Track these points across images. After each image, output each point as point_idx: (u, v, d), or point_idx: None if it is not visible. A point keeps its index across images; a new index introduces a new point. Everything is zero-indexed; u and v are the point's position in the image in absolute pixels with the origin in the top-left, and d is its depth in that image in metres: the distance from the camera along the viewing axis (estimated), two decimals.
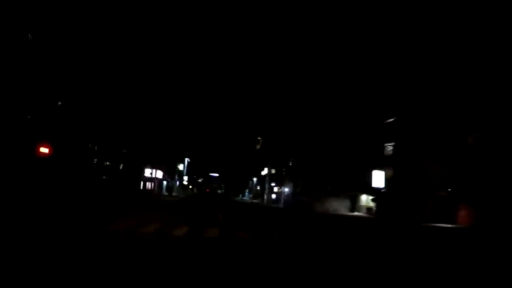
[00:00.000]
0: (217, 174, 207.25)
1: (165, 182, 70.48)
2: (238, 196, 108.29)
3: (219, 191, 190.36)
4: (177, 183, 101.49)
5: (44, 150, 29.81)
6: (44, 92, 30.81)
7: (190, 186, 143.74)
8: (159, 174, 52.95)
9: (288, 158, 60.53)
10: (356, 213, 45.41)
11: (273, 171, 70.49)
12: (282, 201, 52.78)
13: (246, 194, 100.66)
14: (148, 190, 49.24)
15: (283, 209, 44.44)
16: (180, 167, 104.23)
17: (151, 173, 47.83)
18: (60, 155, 31.81)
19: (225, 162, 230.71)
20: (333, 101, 47.82)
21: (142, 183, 47.25)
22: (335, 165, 47.70)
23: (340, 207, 47.76)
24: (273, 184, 66.30)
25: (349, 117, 46.18)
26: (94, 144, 41.69)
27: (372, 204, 44.26)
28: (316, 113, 49.87)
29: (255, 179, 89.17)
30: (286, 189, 57.58)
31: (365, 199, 46.09)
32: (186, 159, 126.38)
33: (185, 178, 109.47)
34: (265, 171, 74.24)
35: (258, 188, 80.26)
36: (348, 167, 46.51)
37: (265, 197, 62.11)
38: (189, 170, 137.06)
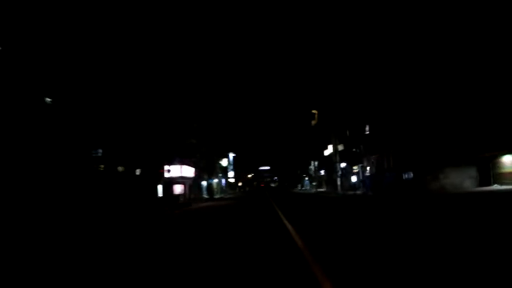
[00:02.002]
0: (268, 167, 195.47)
1: (204, 183, 57.44)
2: (297, 187, 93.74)
3: (272, 185, 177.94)
4: (223, 181, 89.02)
5: None
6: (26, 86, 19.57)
7: (240, 184, 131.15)
8: (188, 171, 39.49)
9: (362, 124, 45.08)
10: (496, 187, 29.49)
11: (341, 147, 55.26)
12: (368, 185, 37.70)
13: (306, 182, 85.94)
14: (176, 195, 36.04)
15: (381, 199, 29.56)
16: (224, 162, 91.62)
17: (168, 170, 34.33)
18: (47, 164, 19.91)
19: (273, 151, 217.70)
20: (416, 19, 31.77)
21: (162, 187, 33.91)
22: (442, 118, 31.80)
23: (464, 179, 31.95)
24: (343, 165, 51.12)
25: (448, 38, 30.05)
26: (97, 148, 28.99)
27: None
28: (394, 45, 34.03)
29: (315, 163, 74.16)
30: (367, 168, 42.38)
31: (510, 161, 29.88)
32: (231, 154, 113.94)
33: (230, 175, 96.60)
34: (329, 150, 59.09)
35: (322, 173, 65.34)
36: (465, 115, 30.52)
37: (339, 182, 47.11)
38: (235, 166, 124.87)
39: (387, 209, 18.36)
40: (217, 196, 59.23)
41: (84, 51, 26.16)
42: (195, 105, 59.22)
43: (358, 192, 38.21)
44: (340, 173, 47.71)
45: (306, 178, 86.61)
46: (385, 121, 37.54)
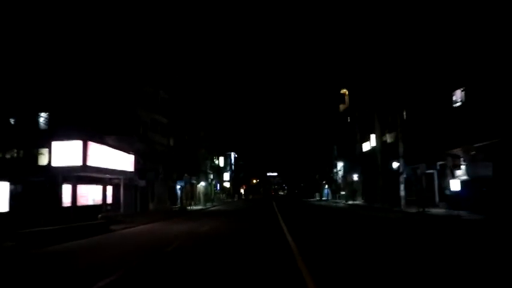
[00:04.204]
0: (275, 173, 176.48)
1: (178, 186, 38.71)
2: (314, 197, 74.67)
3: (281, 193, 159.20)
4: (217, 186, 70.49)
5: None
6: None
7: (242, 191, 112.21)
8: (118, 160, 19.99)
9: (444, 91, 26.42)
10: None
11: (391, 137, 36.58)
12: (463, 196, 18.66)
13: (326, 192, 66.74)
14: (85, 207, 17.48)
15: None
16: (220, 162, 73.11)
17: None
18: None
19: (283, 154, 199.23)
20: None
21: (17, 188, 14.96)
22: None
23: None
24: (396, 165, 32.05)
25: None
26: None
27: None
28: None
29: (340, 165, 54.99)
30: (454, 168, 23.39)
31: None
32: (233, 154, 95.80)
33: (226, 177, 77.88)
34: (371, 143, 40.03)
35: (356, 178, 46.16)
36: None
37: (402, 193, 27.46)
38: (238, 169, 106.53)
39: None
40: (197, 207, 40.43)
41: None
42: (170, 72, 41.07)
43: (464, 214, 19.11)
44: (404, 176, 28.45)
45: (326, 187, 67.42)
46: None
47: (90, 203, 19.38)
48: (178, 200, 38.14)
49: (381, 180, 36.95)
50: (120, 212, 21.66)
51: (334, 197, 57.74)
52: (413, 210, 24.30)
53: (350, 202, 43.58)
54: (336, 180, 57.03)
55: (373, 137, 39.41)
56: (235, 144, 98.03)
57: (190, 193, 43.83)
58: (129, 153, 21.76)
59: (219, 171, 69.53)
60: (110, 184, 21.64)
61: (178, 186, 39.27)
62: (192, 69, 50.99)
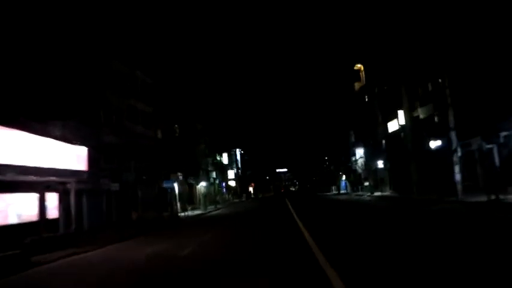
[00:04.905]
0: (285, 169, 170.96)
1: (173, 186, 32.45)
2: (330, 191, 68.12)
3: (292, 189, 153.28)
4: (223, 185, 64.38)
5: None
6: None
7: (251, 189, 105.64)
8: (61, 153, 13.49)
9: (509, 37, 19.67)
10: None
11: (422, 113, 30.07)
12: None
13: (344, 184, 60.18)
14: None
15: None
16: (224, 159, 66.84)
17: None
18: None
19: (292, 150, 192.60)
20: None
21: None
22: None
23: None
24: (435, 144, 25.46)
25: None
26: None
27: None
28: None
29: (359, 153, 48.12)
30: None
31: None
32: (238, 150, 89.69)
33: (231, 175, 71.53)
34: (399, 120, 33.28)
35: (381, 165, 39.28)
36: None
37: (458, 177, 20.49)
38: (245, 167, 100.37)
39: None
40: (195, 212, 34.08)
41: None
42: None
43: None
44: (459, 154, 21.46)
45: (343, 178, 60.81)
46: None
47: (13, 221, 13.09)
48: (186, 202, 31.86)
49: (414, 165, 30.37)
50: (72, 229, 15.36)
51: (354, 189, 51.10)
52: (480, 198, 17.69)
53: (377, 194, 36.94)
54: (355, 170, 50.33)
55: (401, 113, 32.72)
56: (240, 141, 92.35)
57: (188, 195, 37.55)
58: (75, 144, 15.34)
59: (222, 169, 63.14)
60: (56, 191, 15.34)
61: (176, 188, 32.99)
62: (187, 53, 44.78)
